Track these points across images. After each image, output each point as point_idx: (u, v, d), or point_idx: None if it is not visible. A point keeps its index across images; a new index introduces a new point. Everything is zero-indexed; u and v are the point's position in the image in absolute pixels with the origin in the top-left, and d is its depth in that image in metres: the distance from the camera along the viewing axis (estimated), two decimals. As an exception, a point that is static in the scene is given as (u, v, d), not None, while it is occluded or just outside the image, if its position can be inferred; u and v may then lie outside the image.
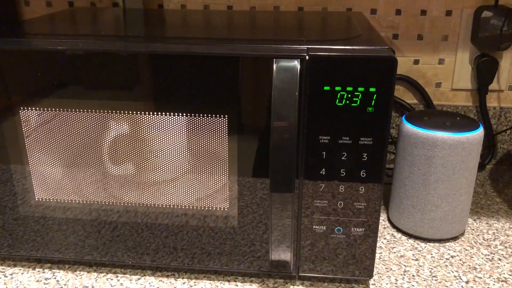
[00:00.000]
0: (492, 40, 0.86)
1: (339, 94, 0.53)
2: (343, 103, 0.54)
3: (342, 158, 0.56)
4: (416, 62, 0.93)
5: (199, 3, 0.93)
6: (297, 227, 0.60)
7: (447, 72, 0.93)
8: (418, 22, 0.90)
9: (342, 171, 0.57)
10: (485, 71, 0.89)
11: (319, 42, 0.56)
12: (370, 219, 0.58)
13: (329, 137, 0.55)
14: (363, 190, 0.57)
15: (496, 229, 0.75)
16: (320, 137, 0.55)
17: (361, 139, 0.55)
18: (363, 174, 0.56)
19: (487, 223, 0.77)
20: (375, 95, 0.53)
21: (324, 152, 0.56)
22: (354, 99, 0.53)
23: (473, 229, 0.75)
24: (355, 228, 0.59)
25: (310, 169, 0.57)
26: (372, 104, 0.53)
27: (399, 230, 0.75)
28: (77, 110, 0.59)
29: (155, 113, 0.58)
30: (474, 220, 0.78)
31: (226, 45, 0.56)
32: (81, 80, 0.57)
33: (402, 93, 0.94)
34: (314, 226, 0.60)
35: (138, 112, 0.58)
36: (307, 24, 0.72)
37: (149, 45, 0.56)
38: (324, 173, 0.57)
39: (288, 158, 0.55)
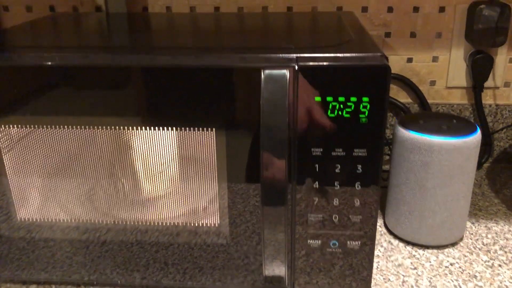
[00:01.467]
0: (487, 36, 0.84)
1: (330, 104, 0.51)
2: (335, 114, 0.51)
3: (336, 170, 0.54)
4: (410, 60, 0.90)
5: (185, 5, 0.90)
6: (291, 241, 0.58)
7: (442, 70, 0.91)
8: (410, 20, 0.88)
9: (336, 183, 0.54)
10: (480, 68, 0.87)
11: (308, 49, 0.54)
12: (366, 232, 0.56)
13: (321, 149, 0.53)
14: (359, 202, 0.55)
15: (496, 233, 0.73)
16: (312, 149, 0.53)
17: (355, 150, 0.53)
18: (358, 186, 0.54)
19: (486, 226, 0.75)
20: (368, 105, 0.51)
21: (317, 165, 0.54)
22: (346, 109, 0.51)
23: (471, 233, 0.73)
24: (351, 241, 0.57)
25: (303, 182, 0.55)
26: (366, 114, 0.51)
27: (396, 236, 0.73)
28: (59, 126, 0.56)
29: (139, 127, 0.55)
30: (473, 223, 0.76)
31: (213, 55, 0.53)
32: (63, 95, 0.54)
33: (396, 92, 0.92)
34: (308, 240, 0.57)
35: (123, 127, 0.55)
36: (296, 28, 0.69)
37: (134, 57, 0.53)
38: (317, 186, 0.55)
39: (279, 171, 0.53)
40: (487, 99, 0.92)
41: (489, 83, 0.89)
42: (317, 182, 0.54)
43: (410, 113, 0.91)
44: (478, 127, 0.67)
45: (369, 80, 0.50)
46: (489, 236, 0.73)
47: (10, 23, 0.94)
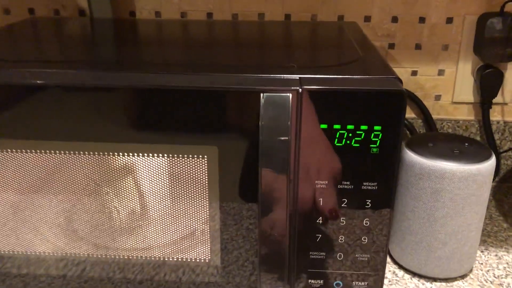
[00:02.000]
0: (497, 49, 0.79)
1: (338, 133, 0.45)
2: (343, 143, 0.46)
3: (342, 205, 0.48)
4: (414, 73, 0.85)
5: (175, 10, 0.84)
6: (290, 280, 0.53)
7: (448, 84, 0.85)
8: (416, 30, 0.82)
9: (342, 219, 0.49)
10: (489, 84, 0.82)
11: (313, 69, 0.48)
12: (375, 272, 0.51)
13: (326, 182, 0.47)
14: (366, 240, 0.49)
15: (507, 263, 0.68)
16: (316, 181, 0.47)
17: (364, 183, 0.47)
18: (366, 223, 0.49)
19: (496, 255, 0.70)
20: (380, 134, 0.45)
21: (321, 199, 0.48)
22: (355, 138, 0.45)
23: (481, 263, 0.68)
24: (357, 282, 0.51)
25: (305, 218, 0.49)
26: (377, 144, 0.45)
27: (401, 267, 0.67)
28: (36, 150, 0.50)
29: (122, 154, 0.49)
30: (482, 251, 0.71)
31: (206, 74, 0.47)
32: (41, 116, 0.48)
33: (398, 106, 0.87)
34: (310, 280, 0.52)
35: (105, 153, 0.49)
36: (296, 41, 0.63)
37: (120, 75, 0.47)
38: (321, 221, 0.49)
39: (279, 205, 0.47)
40: (495, 115, 0.87)
41: (497, 98, 0.84)
42: (321, 218, 0.49)
43: (414, 130, 0.85)
44: (492, 152, 0.62)
45: (382, 107, 0.44)
46: (501, 267, 0.68)
47: (-14, 26, 0.87)
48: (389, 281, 0.65)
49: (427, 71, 0.85)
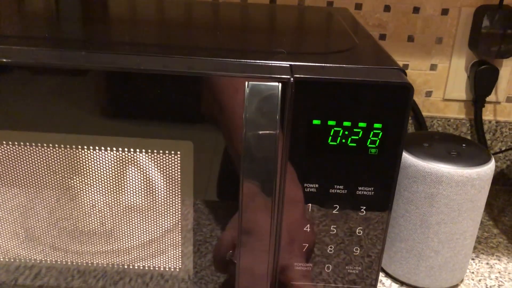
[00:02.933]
0: (493, 45, 0.75)
1: (332, 130, 0.40)
2: (338, 141, 0.40)
3: (334, 211, 0.42)
4: (405, 67, 0.80)
5: (151, -11, 0.77)
6: (270, 292, 0.47)
7: (440, 80, 0.81)
8: (409, 21, 0.77)
9: (333, 227, 0.43)
10: (483, 81, 0.77)
11: (304, 56, 0.42)
12: (365, 287, 0.45)
13: (317, 185, 0.42)
14: (358, 251, 0.44)
15: (499, 272, 0.64)
16: (305, 184, 0.42)
17: (360, 188, 0.41)
18: (359, 232, 0.43)
19: (487, 263, 0.66)
20: (381, 133, 0.39)
21: (310, 204, 0.42)
22: (352, 137, 0.40)
23: (473, 272, 0.64)
24: (345, 297, 0.46)
25: (291, 224, 0.43)
26: (377, 144, 0.40)
27: (388, 275, 0.63)
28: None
29: (87, 147, 0.43)
30: (473, 259, 0.67)
31: (183, 58, 0.41)
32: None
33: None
34: (293, 293, 0.46)
35: (67, 146, 0.43)
36: (285, 26, 0.57)
37: (88, 56, 0.41)
38: (308, 229, 0.43)
39: (262, 210, 0.41)
40: (487, 114, 0.83)
41: (490, 97, 0.80)
42: (308, 225, 0.43)
43: (410, 133, 0.81)
44: (491, 155, 0.57)
45: (384, 102, 0.38)
46: (492, 276, 0.64)
47: None
48: (376, 290, 0.60)
49: (418, 65, 0.80)
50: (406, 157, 0.56)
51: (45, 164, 0.44)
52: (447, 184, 0.54)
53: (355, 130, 0.39)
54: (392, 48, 0.79)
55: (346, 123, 0.39)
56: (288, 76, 0.38)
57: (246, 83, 0.38)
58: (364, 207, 0.42)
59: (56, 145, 0.43)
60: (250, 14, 0.63)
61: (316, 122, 0.39)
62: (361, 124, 0.39)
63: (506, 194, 0.84)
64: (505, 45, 0.75)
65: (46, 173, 0.45)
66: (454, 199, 0.55)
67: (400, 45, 0.79)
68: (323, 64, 0.40)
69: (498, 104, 0.82)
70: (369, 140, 0.40)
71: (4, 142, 0.43)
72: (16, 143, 0.43)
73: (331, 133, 0.40)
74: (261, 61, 0.40)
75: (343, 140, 0.40)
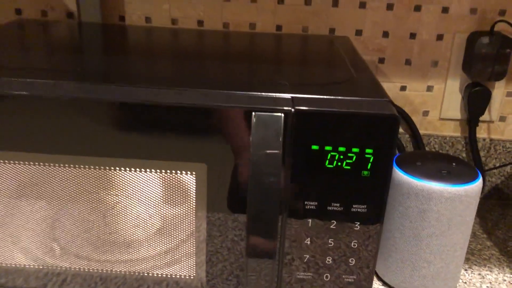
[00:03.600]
0: (486, 68, 0.80)
1: (329, 154, 0.45)
2: (334, 165, 0.45)
3: (331, 226, 0.48)
4: (403, 88, 0.85)
5: (166, 16, 0.83)
6: (275, 298, 0.52)
7: (436, 100, 0.86)
8: (406, 46, 0.83)
9: (331, 241, 0.48)
10: (476, 102, 0.82)
11: (305, 87, 0.48)
12: (360, 294, 0.51)
13: (316, 203, 0.47)
14: (354, 262, 0.49)
15: (490, 282, 0.69)
16: (306, 202, 0.47)
17: (354, 206, 0.47)
18: (354, 245, 0.48)
19: (479, 274, 0.71)
20: (372, 158, 0.45)
21: (310, 220, 0.48)
22: (347, 161, 0.45)
23: (465, 282, 0.69)
24: (342, 303, 0.51)
25: (293, 237, 0.49)
26: (368, 167, 0.45)
27: (385, 283, 0.67)
28: (13, 162, 0.48)
29: (107, 168, 0.48)
30: (466, 269, 0.71)
31: (196, 90, 0.46)
32: (20, 128, 0.47)
33: (386, 121, 0.87)
34: (295, 300, 0.51)
35: (91, 167, 0.48)
36: (288, 56, 0.63)
37: (106, 89, 0.46)
38: (309, 242, 0.49)
39: (268, 225, 0.46)
40: (481, 132, 0.87)
41: (484, 116, 0.85)
42: (308, 239, 0.48)
43: (401, 144, 0.86)
44: (479, 173, 0.62)
45: (374, 130, 0.44)
46: (484, 286, 0.68)
47: (-30, 25, 0.85)
48: (373, 298, 0.65)
49: (416, 87, 0.85)
50: (401, 175, 0.61)
51: (73, 182, 0.50)
52: (437, 200, 0.59)
53: (349, 154, 0.45)
54: (390, 71, 0.84)
55: (341, 149, 0.45)
56: (290, 108, 0.44)
57: (253, 113, 0.44)
58: (358, 223, 0.47)
59: (83, 166, 0.49)
60: (258, 43, 0.69)
61: (314, 147, 0.45)
62: (355, 149, 0.45)
63: (500, 208, 0.88)
64: (497, 68, 0.80)
65: (73, 189, 0.50)
66: (444, 214, 0.60)
67: (398, 68, 0.84)
68: (322, 96, 0.46)
69: (492, 123, 0.87)
70: (362, 163, 0.45)
71: (37, 163, 0.49)
72: (47, 163, 0.49)
73: (328, 157, 0.45)
74: (266, 93, 0.46)
75: (339, 164, 0.45)
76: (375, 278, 0.68)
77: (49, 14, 0.84)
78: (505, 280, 0.69)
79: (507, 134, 0.87)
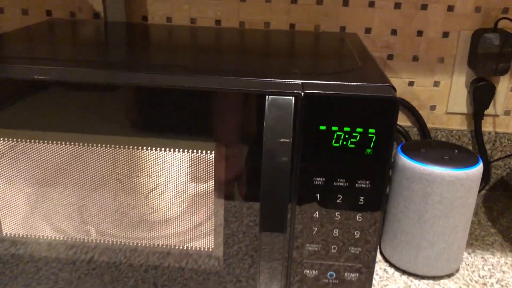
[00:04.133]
0: (490, 64, 0.83)
1: (335, 134, 0.50)
2: (340, 143, 0.50)
3: (337, 201, 0.52)
4: (411, 83, 0.89)
5: (186, 16, 0.89)
6: (287, 270, 0.57)
7: (442, 95, 0.90)
8: (414, 43, 0.87)
9: (337, 214, 0.53)
10: (481, 96, 0.86)
11: (314, 75, 0.52)
12: (365, 265, 0.55)
13: (324, 179, 0.51)
14: (359, 234, 0.53)
15: (492, 265, 0.72)
16: (314, 178, 0.52)
17: (358, 182, 0.51)
18: (359, 218, 0.53)
19: (482, 257, 0.74)
20: (374, 137, 0.49)
21: (318, 194, 0.52)
22: (351, 140, 0.50)
23: (468, 264, 0.72)
24: (349, 273, 0.55)
25: (302, 211, 0.53)
26: (371, 146, 0.50)
27: (391, 265, 0.71)
28: (50, 142, 0.54)
29: (135, 147, 0.53)
30: (469, 253, 0.75)
31: (214, 77, 0.51)
32: (54, 110, 0.52)
33: (395, 115, 0.91)
34: (305, 271, 0.56)
35: (115, 146, 0.53)
36: (300, 50, 0.68)
37: (132, 75, 0.52)
38: (317, 216, 0.53)
39: (280, 199, 0.51)
40: (487, 126, 0.91)
41: (489, 110, 0.88)
42: (317, 212, 0.53)
43: (409, 137, 0.90)
44: (480, 158, 0.66)
45: (376, 112, 0.48)
46: (486, 268, 0.72)
47: (5, 25, 0.92)
48: (380, 277, 0.69)
49: (423, 82, 0.89)
50: (406, 160, 0.66)
51: (102, 161, 0.55)
52: (440, 183, 0.63)
53: (353, 134, 0.49)
54: (399, 67, 0.88)
55: (346, 129, 0.49)
56: (300, 92, 0.49)
57: (267, 97, 0.49)
58: (363, 197, 0.52)
59: (113, 145, 0.54)
60: (272, 39, 0.74)
61: (322, 127, 0.49)
62: (358, 130, 0.49)
63: (506, 199, 0.92)
64: (501, 64, 0.84)
65: (103, 168, 0.56)
66: (446, 196, 0.64)
67: (406, 64, 0.88)
68: (329, 82, 0.51)
69: (497, 117, 0.90)
70: (365, 142, 0.49)
71: (61, 143, 0.54)
72: (76, 143, 0.54)
73: (334, 137, 0.50)
74: (279, 80, 0.51)
75: (344, 143, 0.50)
76: (382, 261, 0.72)
77: (77, 15, 0.91)
78: (507, 263, 0.73)
79: (512, 128, 0.91)
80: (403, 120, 0.91)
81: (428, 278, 0.69)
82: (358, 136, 0.49)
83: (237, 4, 0.87)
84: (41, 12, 0.91)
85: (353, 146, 0.50)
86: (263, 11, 0.87)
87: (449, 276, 0.70)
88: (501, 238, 0.79)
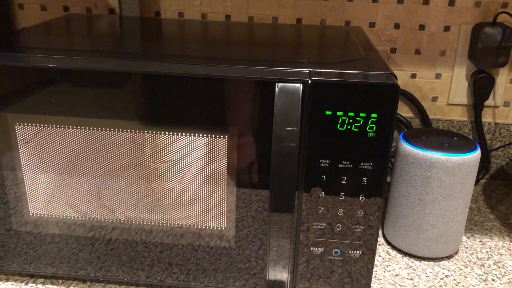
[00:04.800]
0: (489, 56, 0.87)
1: (340, 119, 0.53)
2: (344, 128, 0.54)
3: (342, 181, 0.56)
4: (413, 76, 0.93)
5: (197, 11, 0.92)
6: (294, 247, 0.60)
7: (444, 87, 0.93)
8: (416, 37, 0.90)
9: (342, 194, 0.56)
10: (481, 87, 0.89)
11: (320, 65, 0.56)
12: (368, 242, 0.58)
13: (329, 161, 0.55)
14: (362, 213, 0.57)
15: (490, 248, 0.76)
16: (320, 160, 0.55)
17: (362, 163, 0.55)
18: (362, 198, 0.56)
19: (480, 241, 0.78)
20: (376, 121, 0.53)
21: (324, 175, 0.56)
22: (355, 124, 0.53)
23: (467, 247, 0.76)
24: (352, 251, 0.59)
25: (309, 192, 0.57)
26: (373, 129, 0.53)
27: (394, 247, 0.75)
28: (73, 126, 0.58)
29: (152, 131, 0.57)
30: (468, 237, 0.78)
31: (227, 66, 0.55)
32: (77, 97, 0.56)
33: (398, 106, 0.94)
34: (311, 248, 0.60)
35: (135, 131, 0.57)
36: (307, 42, 0.72)
37: (147, 64, 0.55)
38: (323, 195, 0.57)
39: (288, 180, 0.55)
40: (487, 117, 0.94)
41: (489, 102, 0.92)
42: (323, 192, 0.57)
43: (412, 128, 0.93)
44: (478, 145, 0.69)
45: (378, 98, 0.52)
46: (484, 251, 0.75)
47: (24, 21, 0.96)
48: (383, 259, 0.73)
49: (425, 75, 0.92)
50: (407, 147, 0.69)
51: (119, 146, 0.59)
52: (439, 168, 0.67)
53: (357, 119, 0.53)
54: (401, 60, 0.92)
55: (351, 114, 0.53)
56: (307, 79, 0.52)
57: (276, 84, 0.52)
58: (365, 178, 0.55)
59: (130, 130, 0.58)
60: (280, 32, 0.78)
61: (328, 113, 0.53)
62: (362, 114, 0.53)
63: (505, 188, 0.95)
64: (500, 57, 0.87)
65: (120, 153, 0.59)
66: (445, 180, 0.67)
67: (409, 57, 0.92)
68: (334, 70, 0.54)
69: (496, 108, 0.94)
70: (368, 126, 0.53)
71: (90, 128, 0.58)
72: (97, 128, 0.58)
73: (339, 121, 0.53)
74: (287, 68, 0.55)
75: (349, 127, 0.53)
76: (385, 243, 0.76)
77: (93, 11, 0.94)
78: (504, 246, 0.76)
79: (511, 118, 0.94)
80: (405, 111, 0.95)
81: (429, 259, 0.73)
82: (362, 120, 0.53)
83: (246, -1, 0.91)
84: (59, 8, 0.95)
85: (356, 130, 0.53)
86: (271, 6, 0.91)
87: (448, 257, 0.73)
88: (500, 223, 0.83)
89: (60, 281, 0.67)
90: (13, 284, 0.66)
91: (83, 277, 0.66)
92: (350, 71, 0.54)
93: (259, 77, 0.53)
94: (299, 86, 0.52)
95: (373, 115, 0.53)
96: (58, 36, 0.70)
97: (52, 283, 0.66)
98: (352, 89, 0.52)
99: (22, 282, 0.66)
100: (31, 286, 0.65)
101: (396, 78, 0.53)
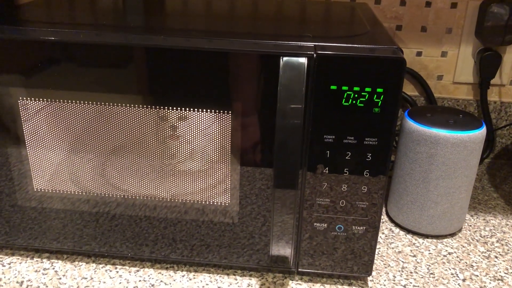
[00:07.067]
0: (497, 34, 0.86)
1: (345, 93, 0.53)
2: (349, 102, 0.53)
3: (346, 157, 0.56)
4: (419, 54, 0.92)
5: (200, -12, 0.91)
6: (298, 223, 0.60)
7: (450, 65, 0.92)
8: (422, 14, 0.89)
9: (346, 170, 0.56)
10: (488, 65, 0.88)
11: (326, 38, 0.55)
12: (371, 218, 0.58)
13: (334, 136, 0.55)
14: (366, 189, 0.57)
15: (493, 226, 0.76)
16: (325, 136, 0.55)
17: (366, 139, 0.54)
18: (366, 174, 0.56)
19: (484, 219, 0.78)
20: (382, 96, 0.52)
21: (328, 151, 0.56)
22: (360, 99, 0.53)
23: (470, 225, 0.76)
24: (356, 227, 0.59)
25: (313, 167, 0.57)
26: (379, 104, 0.53)
27: (397, 225, 0.75)
28: (77, 101, 0.57)
29: (156, 106, 0.57)
30: (472, 216, 0.78)
31: (231, 40, 0.55)
32: (80, 72, 0.56)
33: (403, 85, 0.94)
34: (315, 224, 0.60)
35: (139, 106, 0.57)
36: (312, 17, 0.71)
37: (151, 38, 0.55)
38: (327, 171, 0.57)
39: (292, 156, 0.54)
40: (492, 95, 0.93)
41: (495, 80, 0.91)
42: (327, 168, 0.56)
43: (417, 106, 0.92)
44: (483, 122, 0.69)
45: (384, 72, 0.51)
46: (487, 228, 0.75)
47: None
48: (386, 236, 0.73)
49: (431, 52, 0.91)
50: (412, 124, 0.69)
51: (123, 121, 0.59)
52: (444, 145, 0.66)
53: (362, 93, 0.52)
54: (407, 37, 0.91)
55: (356, 88, 0.52)
56: (312, 53, 0.52)
57: (281, 58, 0.52)
58: (370, 154, 0.55)
59: (134, 105, 0.57)
60: (285, 7, 0.77)
61: (333, 87, 0.53)
62: (367, 89, 0.52)
63: (509, 167, 0.95)
64: (508, 34, 0.86)
65: (124, 128, 0.59)
66: (450, 158, 0.67)
67: (415, 34, 0.91)
68: (340, 44, 0.53)
69: (503, 86, 0.93)
70: (373, 101, 0.53)
71: (94, 103, 0.58)
72: (101, 103, 0.58)
73: (344, 96, 0.53)
74: (292, 42, 0.54)
75: (354, 102, 0.53)
76: (388, 221, 0.76)
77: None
78: (507, 224, 0.76)
79: (517, 97, 0.93)
80: (410, 90, 0.94)
81: (432, 237, 0.73)
82: (367, 95, 0.52)
83: (251, -25, 0.89)
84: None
85: (362, 105, 0.53)
86: (275, -18, 0.89)
87: (451, 235, 0.73)
88: (503, 202, 0.83)
89: (65, 256, 0.67)
90: (18, 259, 0.66)
91: (88, 252, 0.66)
92: (356, 45, 0.53)
93: (264, 50, 0.52)
94: (304, 60, 0.52)
95: (379, 90, 0.52)
96: (61, 10, 0.69)
97: (57, 258, 0.67)
98: (358, 63, 0.51)
99: (27, 257, 0.67)
100: (37, 261, 0.66)
101: (402, 52, 0.53)
